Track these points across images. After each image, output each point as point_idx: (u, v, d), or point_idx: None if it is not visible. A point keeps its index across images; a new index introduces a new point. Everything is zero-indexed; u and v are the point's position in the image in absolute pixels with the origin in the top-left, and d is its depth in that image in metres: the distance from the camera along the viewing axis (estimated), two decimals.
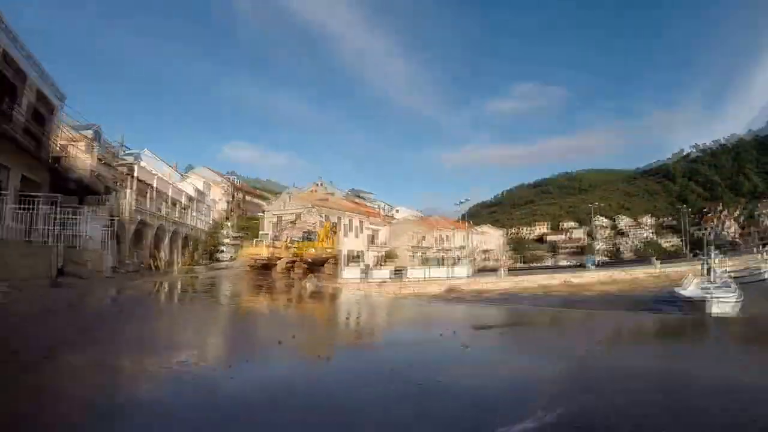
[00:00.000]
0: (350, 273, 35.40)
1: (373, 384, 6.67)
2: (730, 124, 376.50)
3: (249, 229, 49.53)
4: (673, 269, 37.33)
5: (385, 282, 33.75)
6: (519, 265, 73.34)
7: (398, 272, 36.61)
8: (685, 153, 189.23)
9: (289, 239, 36.07)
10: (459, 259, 59.57)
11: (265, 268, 31.60)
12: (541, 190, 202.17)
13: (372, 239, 54.66)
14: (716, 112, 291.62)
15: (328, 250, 34.64)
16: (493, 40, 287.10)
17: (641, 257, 78.04)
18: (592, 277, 37.38)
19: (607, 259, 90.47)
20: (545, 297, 28.85)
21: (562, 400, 5.43)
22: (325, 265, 33.75)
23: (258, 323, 14.15)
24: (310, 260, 33.00)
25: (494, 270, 48.39)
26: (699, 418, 5.17)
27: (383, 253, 55.00)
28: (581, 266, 50.82)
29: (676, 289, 21.67)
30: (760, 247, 53.49)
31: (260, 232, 42.07)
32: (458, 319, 16.54)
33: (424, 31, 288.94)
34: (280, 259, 32.84)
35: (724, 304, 18.29)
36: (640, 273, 38.32)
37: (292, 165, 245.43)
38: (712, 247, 28.80)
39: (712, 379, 6.98)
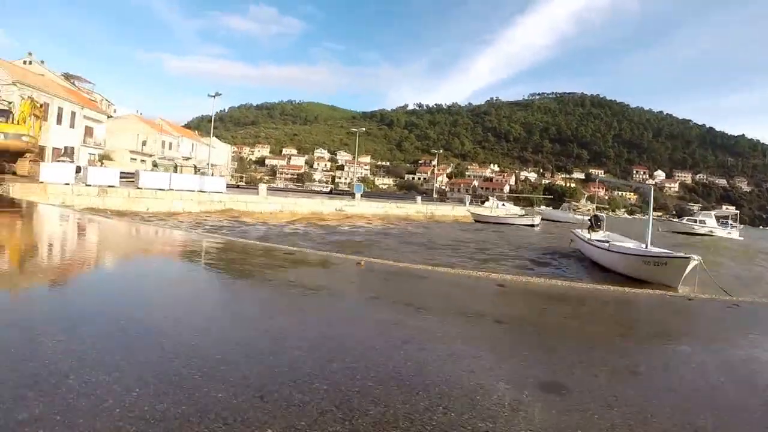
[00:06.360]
0: (56, 173, 21.63)
1: None
2: (450, 94, 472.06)
3: None
4: (434, 208, 39.52)
5: (109, 190, 22.06)
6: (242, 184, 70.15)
7: (128, 176, 27.00)
8: (408, 107, 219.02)
9: None
10: (198, 170, 55.30)
11: None
12: (266, 113, 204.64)
13: (87, 134, 44.39)
14: (440, 80, 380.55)
15: (25, 138, 24.08)
16: None
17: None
18: (366, 208, 34.25)
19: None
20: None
21: None
22: (20, 159, 25.14)
23: None
24: None
25: (238, 186, 47.02)
26: None
27: (97, 155, 45.71)
28: (338, 194, 53.57)
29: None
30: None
31: None
32: None
33: None
34: None
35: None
36: (410, 209, 37.36)
37: None
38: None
39: None
